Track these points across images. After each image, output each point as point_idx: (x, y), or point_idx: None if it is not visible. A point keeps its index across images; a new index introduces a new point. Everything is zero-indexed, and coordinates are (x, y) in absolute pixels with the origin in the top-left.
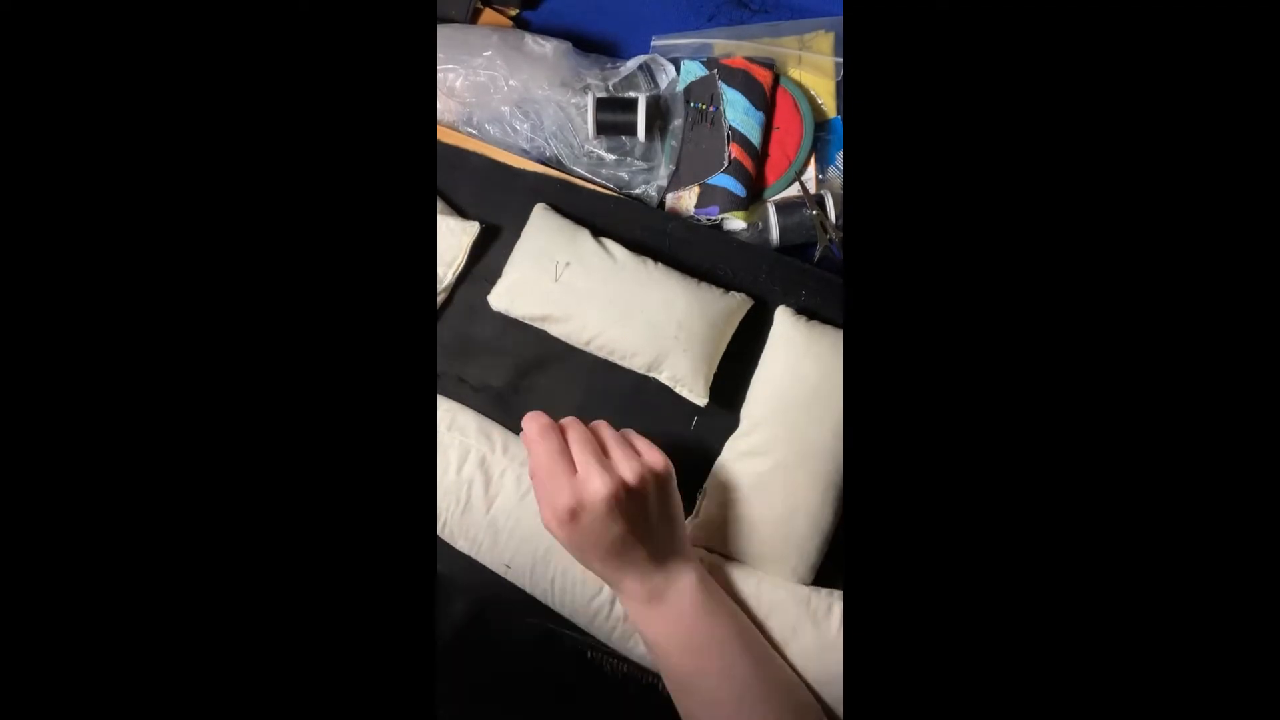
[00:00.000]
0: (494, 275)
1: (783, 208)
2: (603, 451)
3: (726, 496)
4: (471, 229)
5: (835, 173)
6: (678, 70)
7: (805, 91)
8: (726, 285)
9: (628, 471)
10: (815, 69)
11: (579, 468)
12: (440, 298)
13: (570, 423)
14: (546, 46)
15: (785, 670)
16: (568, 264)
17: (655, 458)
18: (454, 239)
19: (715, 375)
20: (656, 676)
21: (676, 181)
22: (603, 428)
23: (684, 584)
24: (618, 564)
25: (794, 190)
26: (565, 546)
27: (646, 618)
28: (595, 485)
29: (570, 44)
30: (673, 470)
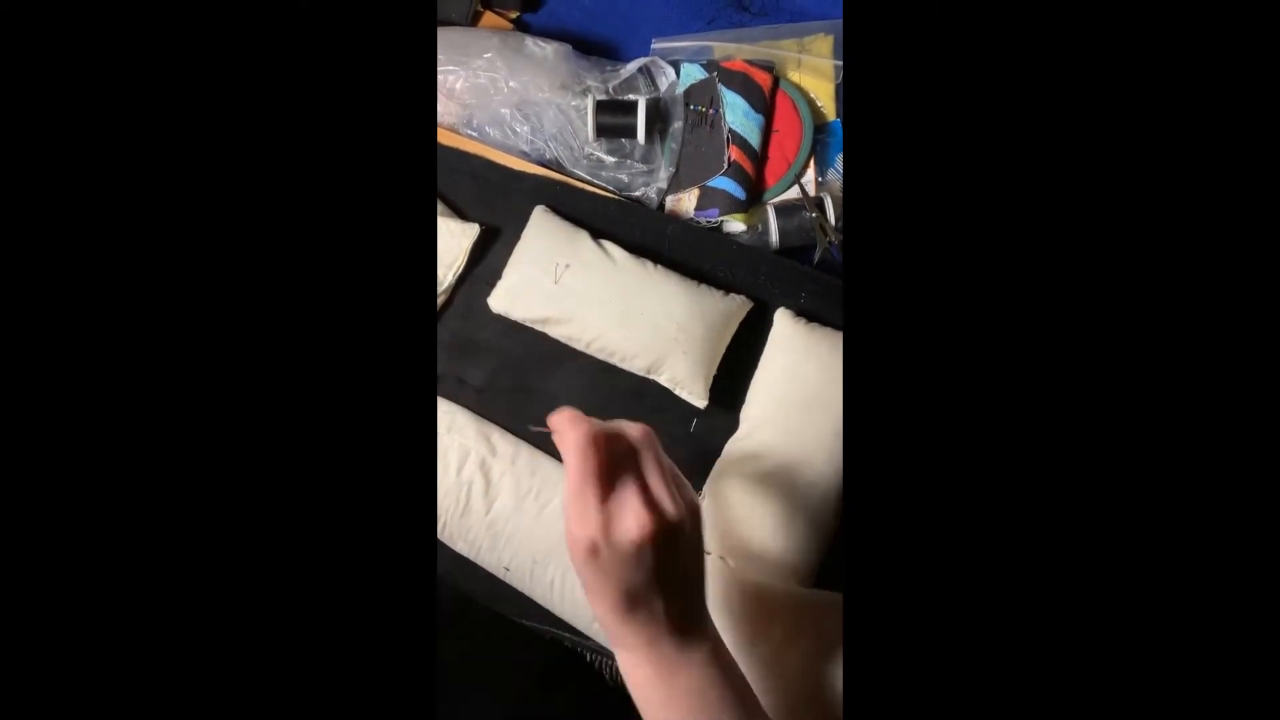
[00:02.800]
0: (494, 277)
1: (782, 210)
2: (641, 477)
3: (726, 498)
4: (471, 231)
5: (835, 175)
6: (677, 73)
7: (805, 94)
8: (726, 287)
9: (669, 506)
10: (815, 72)
11: (614, 495)
12: (440, 299)
13: (614, 432)
14: (547, 49)
15: None
16: (567, 266)
17: (692, 495)
18: (454, 241)
19: (715, 377)
20: None
21: (676, 184)
22: (645, 448)
23: (697, 660)
24: (628, 617)
25: (793, 193)
26: (582, 583)
27: (647, 695)
28: (627, 523)
29: (570, 47)
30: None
